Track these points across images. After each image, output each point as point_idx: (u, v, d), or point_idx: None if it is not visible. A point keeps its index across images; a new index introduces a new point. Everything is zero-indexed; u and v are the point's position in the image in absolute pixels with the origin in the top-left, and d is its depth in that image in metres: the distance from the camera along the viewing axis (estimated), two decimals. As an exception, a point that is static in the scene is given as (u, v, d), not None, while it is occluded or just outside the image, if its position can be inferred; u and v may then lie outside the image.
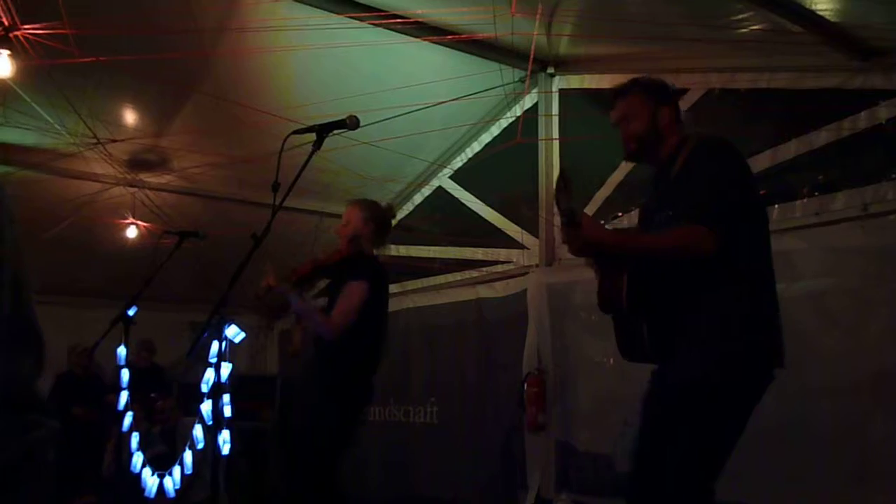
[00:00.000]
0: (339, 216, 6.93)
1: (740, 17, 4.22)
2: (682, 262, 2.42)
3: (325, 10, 4.68)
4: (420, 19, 4.95)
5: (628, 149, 2.75)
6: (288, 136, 2.78)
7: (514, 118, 6.25)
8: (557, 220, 6.10)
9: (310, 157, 2.80)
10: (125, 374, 4.53)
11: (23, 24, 3.94)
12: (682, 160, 2.53)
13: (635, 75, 2.83)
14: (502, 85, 5.66)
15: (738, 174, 2.48)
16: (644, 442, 2.57)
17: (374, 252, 3.79)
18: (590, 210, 5.83)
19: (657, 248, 2.47)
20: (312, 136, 2.87)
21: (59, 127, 5.17)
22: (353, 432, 3.58)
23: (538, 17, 4.61)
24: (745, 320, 2.40)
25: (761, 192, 4.75)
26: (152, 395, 6.23)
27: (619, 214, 5.58)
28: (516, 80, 5.79)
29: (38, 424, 0.91)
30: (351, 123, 2.85)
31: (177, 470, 4.44)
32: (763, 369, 2.42)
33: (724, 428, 2.39)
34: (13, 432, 0.89)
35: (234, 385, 7.20)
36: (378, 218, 3.75)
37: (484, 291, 6.60)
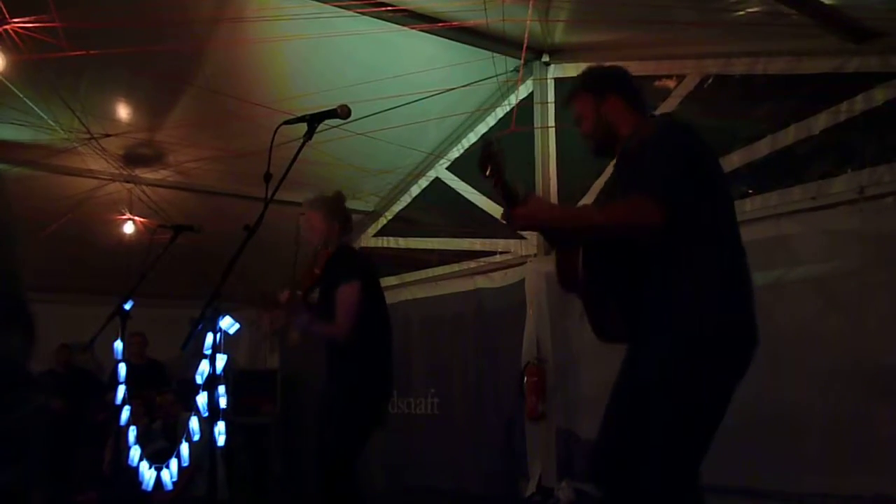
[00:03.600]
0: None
1: (735, -1, 4.20)
2: (636, 239, 2.34)
3: (317, -1, 4.67)
4: (410, 7, 4.93)
5: (588, 147, 2.72)
6: (278, 126, 2.76)
7: (510, 107, 6.23)
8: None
9: (301, 147, 2.78)
10: (122, 369, 4.54)
11: (12, 17, 3.91)
12: (637, 142, 2.47)
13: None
14: (496, 75, 5.64)
15: (686, 146, 2.38)
16: (612, 428, 2.50)
17: (347, 242, 3.80)
18: (588, 200, 5.83)
19: (603, 221, 2.35)
20: (306, 128, 2.85)
21: (52, 123, 5.14)
22: (375, 426, 3.60)
23: (531, 3, 4.58)
24: (708, 297, 2.30)
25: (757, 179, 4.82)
26: (145, 391, 6.22)
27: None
28: (511, 69, 5.77)
29: (24, 400, 0.92)
30: (342, 113, 2.83)
31: (174, 462, 4.44)
32: (736, 347, 2.33)
33: (695, 408, 2.29)
34: (7, 408, 0.91)
35: (235, 380, 7.24)
36: (337, 210, 3.73)
37: (482, 282, 6.60)
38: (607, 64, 2.76)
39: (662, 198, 2.22)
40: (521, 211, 2.36)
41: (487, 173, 2.32)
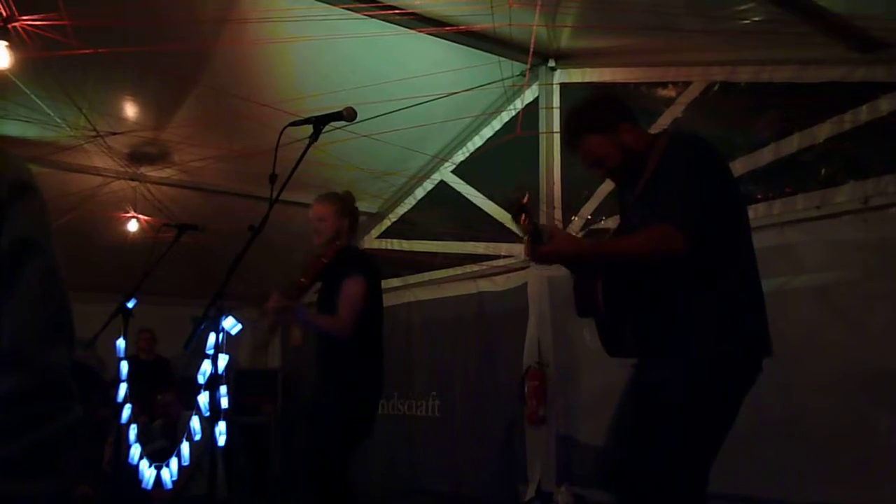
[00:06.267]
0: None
1: (742, 7, 4.20)
2: (656, 264, 2.39)
3: (324, 1, 4.67)
4: (418, 10, 4.94)
5: (615, 182, 2.80)
6: (284, 128, 2.77)
7: (515, 111, 6.24)
8: (558, 214, 6.12)
9: (306, 149, 2.80)
10: (124, 367, 4.55)
11: (21, 15, 3.93)
12: (654, 160, 2.50)
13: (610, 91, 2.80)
14: (502, 79, 5.65)
15: (708, 170, 2.43)
16: (625, 437, 2.55)
17: (353, 243, 3.81)
18: (591, 205, 5.84)
19: (628, 252, 2.46)
20: (312, 129, 2.87)
21: (59, 120, 5.16)
22: (365, 433, 3.60)
23: (538, 8, 4.59)
24: (728, 317, 2.36)
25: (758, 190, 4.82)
26: (148, 389, 6.22)
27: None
28: (517, 73, 5.78)
29: (64, 411, 0.94)
30: (348, 115, 2.85)
31: (174, 462, 4.45)
32: (750, 363, 2.40)
33: (713, 423, 2.37)
34: (50, 418, 0.92)
35: (236, 379, 7.25)
36: (350, 209, 3.75)
37: (485, 285, 6.60)
38: (596, 97, 2.76)
39: (684, 225, 2.30)
40: (546, 249, 2.48)
41: (522, 221, 2.48)
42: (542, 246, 2.48)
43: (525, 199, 2.50)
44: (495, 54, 5.50)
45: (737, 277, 2.42)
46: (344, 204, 3.72)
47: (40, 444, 0.90)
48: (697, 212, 2.32)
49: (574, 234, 2.57)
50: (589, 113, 2.68)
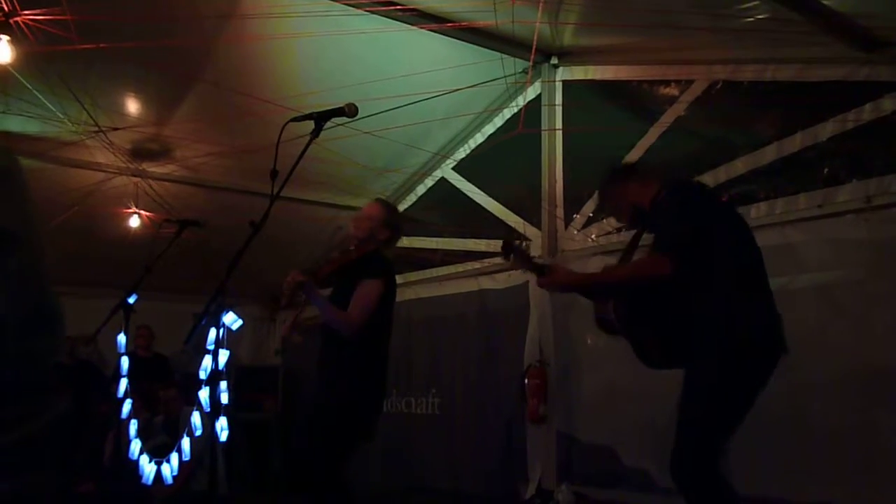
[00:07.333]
0: (340, 207, 6.94)
1: (746, 6, 4.19)
2: (665, 283, 2.81)
3: (327, -2, 4.67)
4: (420, 7, 4.93)
5: (632, 224, 3.42)
6: (286, 123, 2.77)
7: (517, 109, 6.23)
8: (560, 212, 6.12)
9: (307, 145, 2.80)
10: (125, 362, 4.55)
11: (23, 9, 3.93)
12: (655, 207, 3.08)
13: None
14: (504, 76, 5.64)
15: (694, 204, 2.97)
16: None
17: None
18: (593, 203, 5.83)
19: (622, 278, 3.03)
20: (313, 125, 2.86)
21: (60, 115, 5.16)
22: (364, 439, 3.60)
23: (541, 5, 4.58)
24: (736, 314, 2.75)
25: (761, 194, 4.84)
26: (147, 386, 6.23)
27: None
28: (520, 70, 5.77)
29: (47, 406, 0.90)
30: (349, 111, 2.85)
31: (174, 457, 4.45)
32: (764, 354, 2.76)
33: (731, 413, 2.75)
34: (33, 414, 0.88)
35: (237, 375, 7.25)
36: (397, 225, 3.75)
37: (486, 283, 6.60)
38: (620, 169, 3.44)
39: (670, 253, 2.80)
40: (545, 281, 3.17)
41: (529, 266, 3.26)
42: (542, 279, 3.14)
43: (517, 242, 3.20)
44: (498, 51, 5.49)
45: (737, 280, 2.79)
46: (394, 217, 3.79)
47: (23, 440, 0.86)
48: (681, 240, 2.80)
49: (571, 269, 3.22)
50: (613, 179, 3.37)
